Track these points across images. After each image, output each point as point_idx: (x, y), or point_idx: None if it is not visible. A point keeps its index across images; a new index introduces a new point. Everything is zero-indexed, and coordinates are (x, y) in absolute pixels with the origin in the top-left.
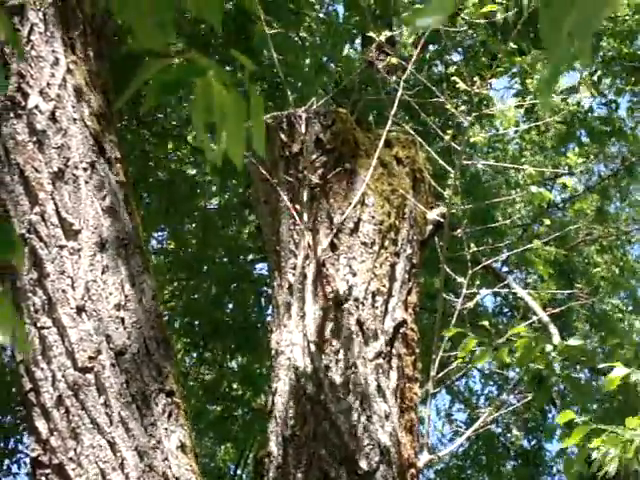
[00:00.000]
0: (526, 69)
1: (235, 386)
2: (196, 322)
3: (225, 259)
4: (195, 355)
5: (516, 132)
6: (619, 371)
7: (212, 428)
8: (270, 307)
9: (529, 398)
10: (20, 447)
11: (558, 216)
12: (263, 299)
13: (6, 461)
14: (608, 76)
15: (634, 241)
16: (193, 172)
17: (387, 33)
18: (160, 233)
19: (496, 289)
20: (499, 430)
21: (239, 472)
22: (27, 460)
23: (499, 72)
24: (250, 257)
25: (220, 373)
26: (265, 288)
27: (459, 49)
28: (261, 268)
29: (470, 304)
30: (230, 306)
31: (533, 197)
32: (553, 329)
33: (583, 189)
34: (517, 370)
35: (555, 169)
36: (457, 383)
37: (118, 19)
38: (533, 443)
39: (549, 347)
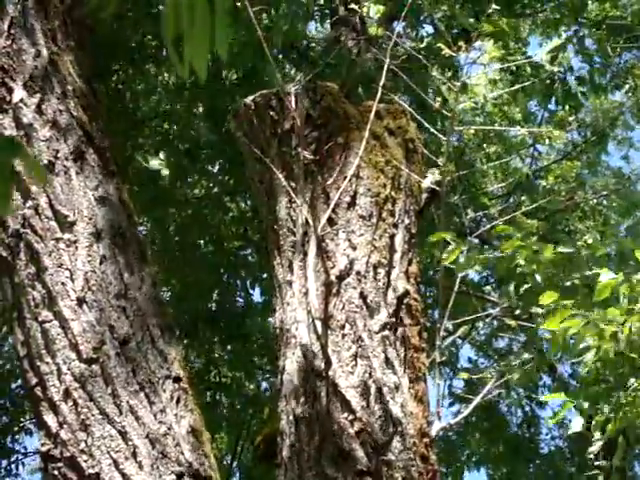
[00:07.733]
0: (506, 31)
1: (224, 374)
2: (184, 313)
3: (210, 247)
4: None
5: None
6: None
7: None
8: (258, 291)
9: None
10: (17, 447)
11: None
12: (249, 285)
13: (3, 462)
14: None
15: (615, 205)
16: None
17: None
18: (142, 227)
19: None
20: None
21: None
22: (25, 460)
23: (481, 34)
24: (235, 244)
25: (207, 360)
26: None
27: (428, 23)
28: (247, 254)
29: (469, 270)
30: (215, 295)
31: (514, 172)
32: None
33: (560, 156)
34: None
35: (533, 136)
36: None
37: None
38: (527, 409)
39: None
